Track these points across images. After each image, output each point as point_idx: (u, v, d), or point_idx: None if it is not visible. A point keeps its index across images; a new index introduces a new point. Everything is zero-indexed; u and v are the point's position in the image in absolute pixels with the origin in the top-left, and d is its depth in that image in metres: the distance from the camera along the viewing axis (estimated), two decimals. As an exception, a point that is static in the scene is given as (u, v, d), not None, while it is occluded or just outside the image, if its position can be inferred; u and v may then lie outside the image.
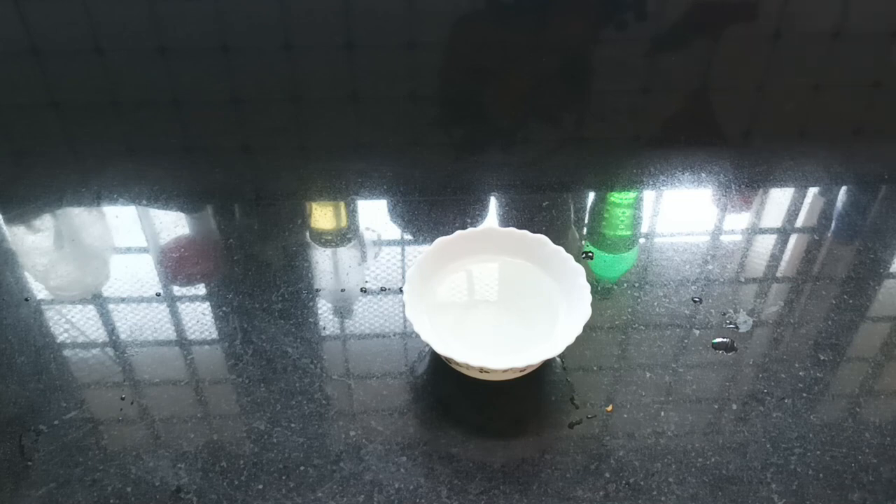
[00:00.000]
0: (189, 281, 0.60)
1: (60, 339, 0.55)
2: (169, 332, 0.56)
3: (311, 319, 0.57)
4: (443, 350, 0.48)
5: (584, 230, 0.67)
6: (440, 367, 0.53)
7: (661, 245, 0.65)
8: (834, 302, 0.59)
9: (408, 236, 0.66)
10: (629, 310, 0.58)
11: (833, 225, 0.67)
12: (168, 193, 0.68)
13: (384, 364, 0.53)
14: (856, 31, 0.74)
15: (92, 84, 0.73)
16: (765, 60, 0.75)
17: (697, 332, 0.56)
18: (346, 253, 0.63)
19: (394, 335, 0.56)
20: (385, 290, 0.59)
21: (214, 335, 0.56)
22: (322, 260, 0.63)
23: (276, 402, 0.51)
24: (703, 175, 0.72)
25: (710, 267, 0.62)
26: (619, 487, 0.46)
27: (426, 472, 0.47)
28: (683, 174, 0.72)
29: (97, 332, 0.56)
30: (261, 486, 0.46)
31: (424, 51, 0.73)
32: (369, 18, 0.71)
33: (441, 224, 0.66)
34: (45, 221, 0.66)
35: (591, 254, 0.63)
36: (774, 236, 0.65)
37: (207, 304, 0.58)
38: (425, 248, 0.54)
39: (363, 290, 0.59)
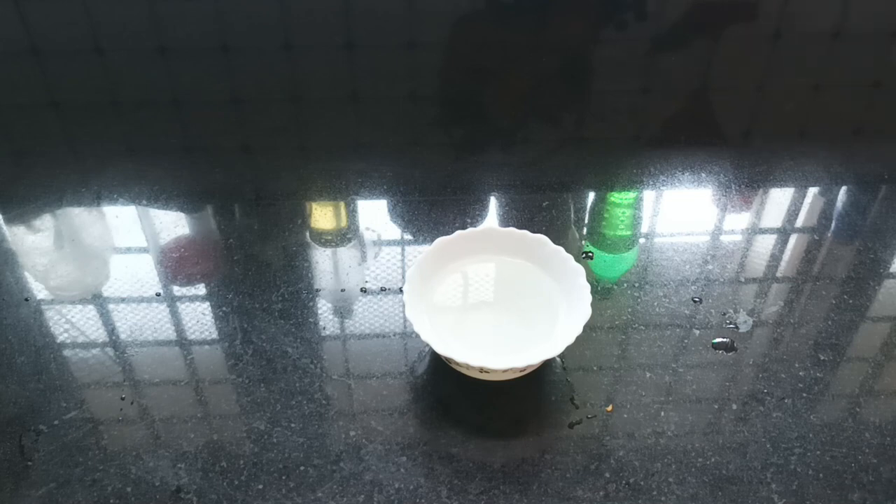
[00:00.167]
0: (189, 281, 0.60)
1: (60, 339, 0.55)
2: (169, 332, 0.56)
3: (311, 319, 0.57)
4: (443, 350, 0.48)
5: (584, 230, 0.67)
6: (440, 367, 0.53)
7: (661, 245, 0.65)
8: (834, 302, 0.59)
9: (408, 236, 0.66)
10: (629, 310, 0.58)
11: (833, 225, 0.67)
12: (168, 193, 0.68)
13: (384, 364, 0.53)
14: (856, 31, 0.74)
15: (92, 84, 0.73)
16: (765, 60, 0.75)
17: (697, 332, 0.56)
18: (346, 253, 0.63)
19: (394, 335, 0.56)
20: (385, 290, 0.59)
21: (214, 335, 0.56)
22: (322, 260, 0.63)
23: (276, 402, 0.51)
24: (703, 175, 0.72)
25: (710, 267, 0.62)
26: (619, 487, 0.46)
27: (426, 472, 0.47)
28: (683, 174, 0.72)
29: (97, 332, 0.56)
30: (261, 486, 0.46)
31: (424, 51, 0.73)
32: (369, 18, 0.71)
33: (441, 224, 0.66)
34: (45, 221, 0.66)
35: (591, 254, 0.63)
36: (774, 236, 0.65)
37: (207, 304, 0.58)
38: (425, 248, 0.54)
39: (363, 290, 0.59)
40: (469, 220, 0.67)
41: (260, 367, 0.53)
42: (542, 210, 0.68)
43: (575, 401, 0.51)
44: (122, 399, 0.51)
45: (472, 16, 0.71)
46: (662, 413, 0.50)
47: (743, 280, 0.61)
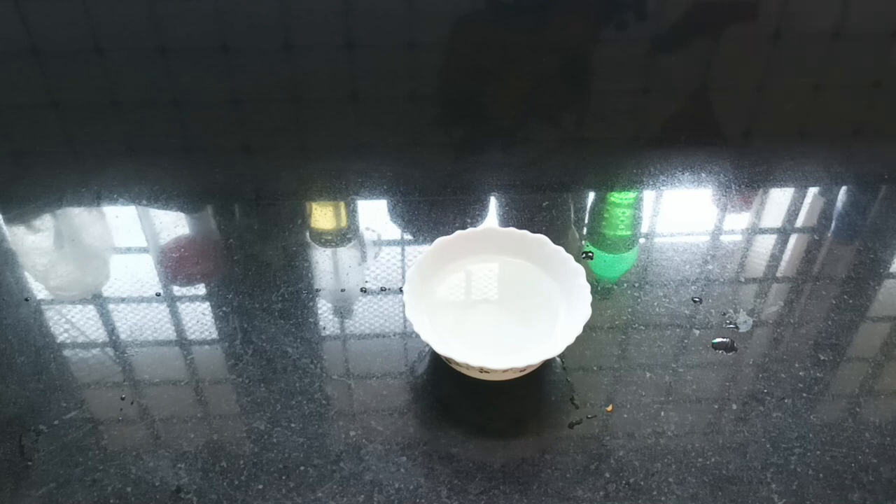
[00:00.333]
0: (189, 281, 0.60)
1: (60, 339, 0.55)
2: (169, 332, 0.56)
3: (311, 319, 0.57)
4: (443, 350, 0.48)
5: (584, 230, 0.67)
6: (440, 367, 0.53)
7: (661, 245, 0.65)
8: (834, 302, 0.59)
9: (408, 236, 0.66)
10: (629, 310, 0.58)
11: (833, 225, 0.67)
12: (168, 193, 0.68)
13: (384, 364, 0.53)
14: (856, 31, 0.74)
15: (92, 84, 0.73)
16: (765, 60, 0.75)
17: (697, 332, 0.56)
18: (346, 253, 0.63)
19: (394, 335, 0.56)
20: (385, 290, 0.59)
21: (214, 335, 0.56)
22: (322, 260, 0.63)
23: (276, 402, 0.51)
24: (703, 175, 0.72)
25: (710, 267, 0.62)
26: (619, 487, 0.46)
27: (426, 472, 0.47)
28: (683, 174, 0.72)
29: (97, 332, 0.56)
30: (261, 486, 0.46)
31: (424, 51, 0.73)
32: (369, 18, 0.71)
33: (441, 224, 0.66)
34: (45, 221, 0.66)
35: (591, 254, 0.63)
36: (774, 236, 0.65)
37: (207, 304, 0.58)
38: (425, 248, 0.54)
39: (363, 290, 0.59)
40: (469, 220, 0.67)
41: (260, 367, 0.53)
42: (542, 210, 0.68)
43: (575, 401, 0.51)
44: (122, 399, 0.51)
45: (472, 16, 0.71)
46: (662, 413, 0.50)
47: (743, 280, 0.61)
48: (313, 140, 0.76)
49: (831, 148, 0.76)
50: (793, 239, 0.65)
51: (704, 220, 0.68)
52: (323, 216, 0.68)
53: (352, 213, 0.68)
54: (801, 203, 0.69)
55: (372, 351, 0.54)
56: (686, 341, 0.55)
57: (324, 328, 0.56)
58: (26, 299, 0.58)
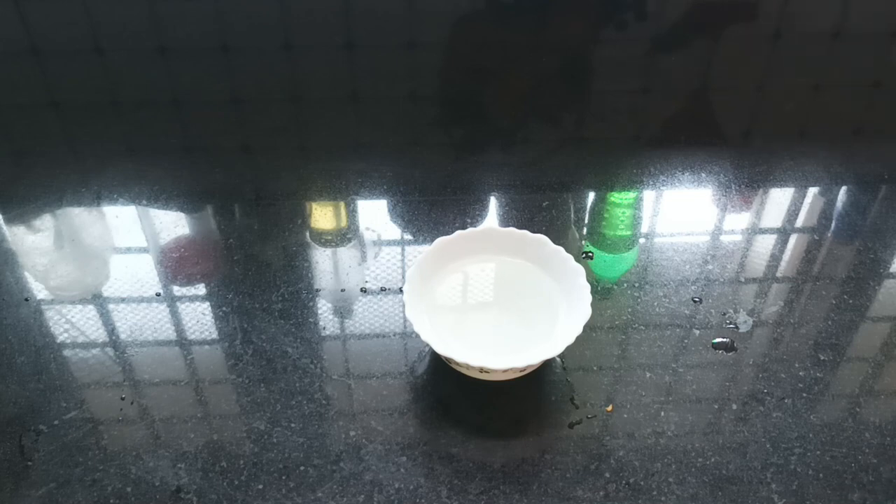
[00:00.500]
0: (189, 281, 0.60)
1: (60, 339, 0.55)
2: (169, 332, 0.56)
3: (311, 319, 0.57)
4: (443, 350, 0.48)
5: (584, 230, 0.67)
6: (440, 367, 0.53)
7: (661, 245, 0.65)
8: (834, 302, 0.59)
9: (408, 236, 0.66)
10: (629, 310, 0.58)
11: (833, 225, 0.67)
12: (168, 193, 0.68)
13: (384, 364, 0.53)
14: (856, 31, 0.74)
15: (92, 84, 0.73)
16: (765, 60, 0.75)
17: (697, 332, 0.56)
18: (346, 253, 0.63)
19: (394, 335, 0.56)
20: (385, 290, 0.59)
21: (214, 335, 0.56)
22: (322, 260, 0.63)
23: (276, 402, 0.51)
24: (703, 175, 0.72)
25: (710, 267, 0.62)
26: (619, 487, 0.46)
27: (426, 472, 0.47)
28: (683, 174, 0.72)
29: (97, 332, 0.56)
30: (261, 486, 0.46)
31: (424, 51, 0.73)
32: (369, 18, 0.71)
33: (441, 224, 0.66)
34: (45, 221, 0.66)
35: (591, 254, 0.63)
36: (774, 236, 0.65)
37: (207, 304, 0.58)
38: (425, 248, 0.54)
39: (363, 290, 0.59)
40: (469, 220, 0.67)
41: (260, 367, 0.53)
42: (542, 210, 0.68)
43: (575, 401, 0.51)
44: (122, 399, 0.51)
45: (472, 16, 0.71)
46: (662, 413, 0.50)
47: (743, 280, 0.61)
48: (313, 140, 0.76)
49: (831, 148, 0.76)
50: (793, 239, 0.65)
51: (704, 220, 0.68)
52: (323, 216, 0.68)
53: (352, 213, 0.68)
54: (801, 203, 0.69)
55: (372, 351, 0.54)
56: (686, 341, 0.55)
57: (324, 328, 0.56)
58: (26, 299, 0.58)
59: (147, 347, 0.55)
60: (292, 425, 0.49)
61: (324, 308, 0.58)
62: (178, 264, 0.62)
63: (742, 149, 0.76)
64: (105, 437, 0.49)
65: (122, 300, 0.58)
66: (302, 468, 0.47)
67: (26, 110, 0.74)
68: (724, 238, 0.65)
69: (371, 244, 0.64)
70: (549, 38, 0.74)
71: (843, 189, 0.71)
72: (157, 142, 0.75)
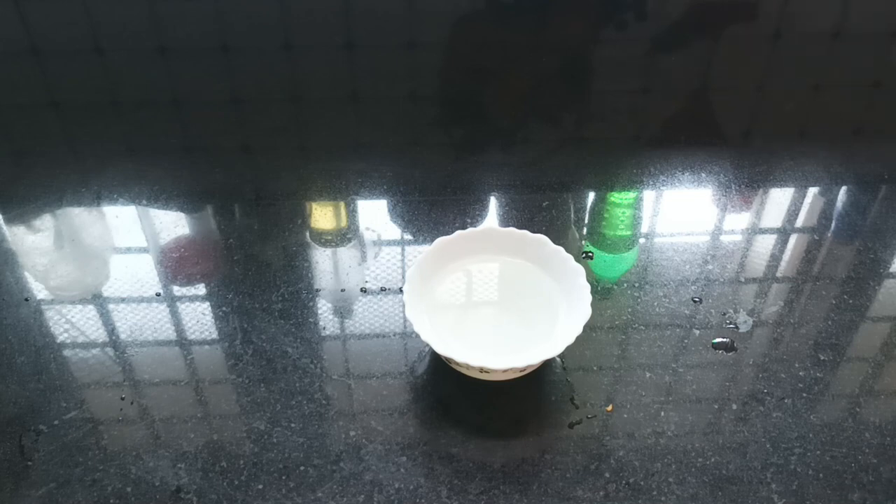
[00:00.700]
0: (189, 281, 0.60)
1: (60, 339, 0.55)
2: (169, 332, 0.56)
3: (311, 319, 0.57)
4: (443, 350, 0.48)
5: (584, 230, 0.67)
6: (440, 367, 0.53)
7: (661, 245, 0.65)
8: (834, 302, 0.59)
9: (408, 236, 0.66)
10: (629, 310, 0.58)
11: (833, 225, 0.67)
12: (168, 193, 0.68)
13: (384, 364, 0.53)
14: (856, 31, 0.74)
15: (92, 84, 0.73)
16: (765, 60, 0.75)
17: (697, 332, 0.56)
18: (346, 253, 0.63)
19: (394, 335, 0.56)
20: (385, 290, 0.59)
21: (214, 335, 0.56)
22: (322, 260, 0.63)
23: (276, 402, 0.51)
24: (703, 175, 0.72)
25: (710, 267, 0.62)
26: (619, 487, 0.46)
27: (426, 472, 0.47)
28: (683, 174, 0.72)
29: (97, 332, 0.56)
30: (261, 486, 0.46)
31: (424, 51, 0.73)
32: (369, 18, 0.71)
33: (441, 224, 0.66)
34: (45, 221, 0.66)
35: (591, 254, 0.63)
36: (774, 236, 0.65)
37: (207, 304, 0.58)
38: (425, 248, 0.54)
39: (363, 290, 0.59)
40: (469, 220, 0.67)
41: (260, 367, 0.53)
42: (542, 210, 0.68)
43: (575, 401, 0.51)
44: (122, 399, 0.51)
45: (472, 16, 0.71)
46: (662, 413, 0.50)
47: (743, 280, 0.61)
48: (313, 140, 0.76)
49: (831, 148, 0.76)
50: (793, 239, 0.65)
51: (704, 220, 0.68)
52: (323, 216, 0.68)
53: (352, 213, 0.68)
54: (801, 203, 0.69)
55: (372, 351, 0.54)
56: (686, 341, 0.55)
57: (324, 328, 0.56)
58: (26, 299, 0.58)
59: (147, 347, 0.55)
60: (292, 425, 0.49)
61: (324, 308, 0.58)
62: (178, 264, 0.62)
63: (742, 149, 0.76)
64: (105, 437, 0.49)
65: (122, 300, 0.58)
66: (302, 468, 0.47)
67: (26, 110, 0.74)
68: (724, 238, 0.65)
69: (371, 244, 0.64)
70: (549, 38, 0.74)
71: (843, 189, 0.71)
72: (157, 142, 0.75)
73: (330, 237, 0.65)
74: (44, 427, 0.49)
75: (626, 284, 0.60)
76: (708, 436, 0.49)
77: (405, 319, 0.50)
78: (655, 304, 0.58)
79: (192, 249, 0.63)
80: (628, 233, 0.67)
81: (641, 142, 0.78)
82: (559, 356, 0.52)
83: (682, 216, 0.68)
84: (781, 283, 0.61)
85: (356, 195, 0.69)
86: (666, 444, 0.48)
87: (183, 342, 0.55)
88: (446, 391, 0.52)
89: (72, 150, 0.74)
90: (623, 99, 0.77)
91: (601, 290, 0.60)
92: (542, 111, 0.77)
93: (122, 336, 0.55)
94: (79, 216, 0.67)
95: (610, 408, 0.51)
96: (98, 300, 0.58)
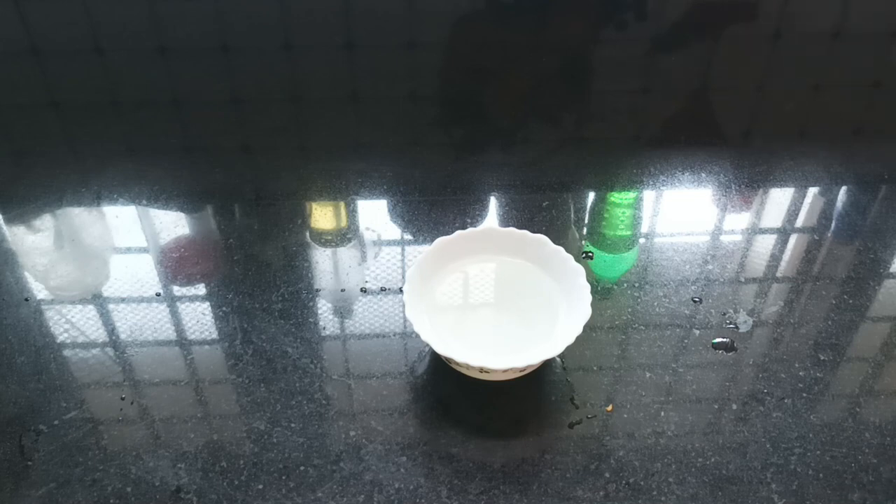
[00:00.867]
0: (189, 281, 0.60)
1: (60, 339, 0.55)
2: (169, 332, 0.56)
3: (311, 319, 0.57)
4: (443, 350, 0.48)
5: (584, 230, 0.67)
6: (440, 367, 0.53)
7: (661, 245, 0.65)
8: (834, 302, 0.59)
9: (408, 236, 0.66)
10: (629, 310, 0.58)
11: (833, 225, 0.67)
12: (168, 193, 0.68)
13: (384, 364, 0.53)
14: (856, 31, 0.74)
15: (92, 84, 0.73)
16: (765, 60, 0.75)
17: (697, 332, 0.56)
18: (346, 253, 0.63)
19: (394, 335, 0.56)
20: (385, 290, 0.59)
21: (214, 335, 0.56)
22: (322, 260, 0.63)
23: (276, 402, 0.51)
24: (703, 175, 0.72)
25: (710, 267, 0.62)
26: (619, 487, 0.46)
27: (426, 472, 0.47)
28: (683, 174, 0.72)
29: (97, 332, 0.56)
30: (261, 486, 0.46)
31: (424, 51, 0.73)
32: (369, 18, 0.71)
33: (441, 224, 0.66)
34: (45, 221, 0.66)
35: (591, 254, 0.63)
36: (774, 236, 0.65)
37: (207, 304, 0.58)
38: (425, 248, 0.54)
39: (363, 290, 0.59)
40: (469, 220, 0.67)
41: (260, 367, 0.53)
42: (542, 210, 0.68)
43: (575, 401, 0.51)
44: (122, 399, 0.51)
45: (472, 16, 0.71)
46: (662, 413, 0.50)
47: (743, 280, 0.61)
48: (313, 140, 0.76)
49: (831, 148, 0.76)
50: (793, 239, 0.65)
51: (704, 220, 0.68)
52: (323, 216, 0.68)
53: (352, 213, 0.68)
54: (801, 203, 0.69)
55: (372, 351, 0.54)
56: (686, 341, 0.55)
57: (324, 328, 0.56)
58: (26, 299, 0.58)
59: (147, 347, 0.55)
60: (292, 425, 0.49)
61: (324, 308, 0.58)
62: (178, 264, 0.62)
63: (742, 149, 0.76)
64: (105, 437, 0.49)
65: (122, 300, 0.58)
66: (302, 468, 0.47)
67: (26, 110, 0.74)
68: (724, 238, 0.65)
69: (371, 244, 0.64)
70: (549, 38, 0.74)
71: (843, 189, 0.71)
72: (157, 142, 0.75)
73: (330, 237, 0.65)
74: (44, 427, 0.49)
75: (626, 284, 0.60)
76: (708, 436, 0.49)
77: (405, 319, 0.50)
78: (655, 304, 0.58)
79: (192, 249, 0.63)
80: (628, 233, 0.67)
81: (641, 142, 0.78)
82: (559, 356, 0.52)
83: (682, 216, 0.68)
84: (781, 283, 0.61)
85: (356, 195, 0.69)
86: (666, 444, 0.48)
87: (183, 342, 0.55)
88: (446, 391, 0.52)
89: (72, 150, 0.74)
90: (623, 99, 0.77)
91: (601, 290, 0.60)
92: (542, 111, 0.77)
93: (122, 336, 0.55)
94: (79, 216, 0.67)
95: (610, 408, 0.51)
96: (98, 300, 0.58)
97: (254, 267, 0.61)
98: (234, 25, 0.70)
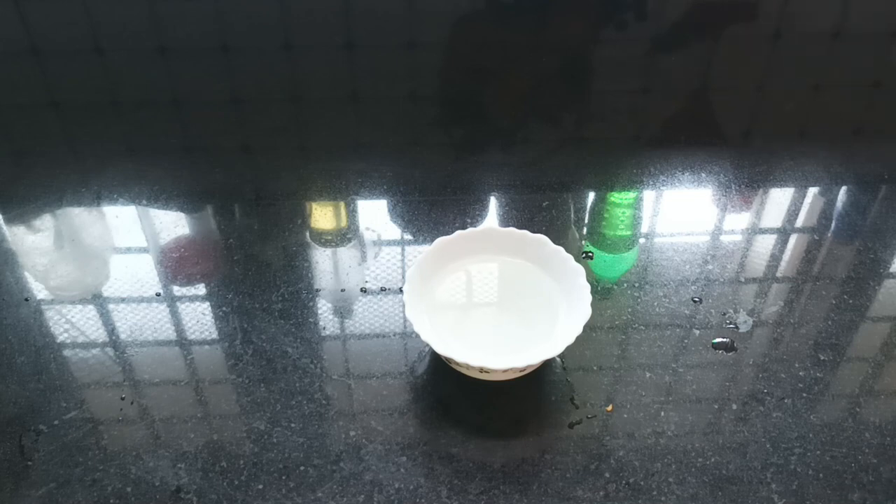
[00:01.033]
0: (189, 281, 0.60)
1: (60, 339, 0.55)
2: (169, 332, 0.56)
3: (311, 319, 0.57)
4: (443, 350, 0.48)
5: (584, 230, 0.67)
6: (440, 367, 0.53)
7: (661, 245, 0.65)
8: (834, 302, 0.59)
9: (408, 236, 0.66)
10: (629, 310, 0.58)
11: (833, 225, 0.67)
12: (168, 193, 0.68)
13: (384, 364, 0.53)
14: (856, 31, 0.74)
15: (92, 84, 0.73)
16: (765, 60, 0.75)
17: (697, 332, 0.56)
18: (346, 253, 0.63)
19: (394, 335, 0.56)
20: (385, 290, 0.59)
21: (214, 335, 0.56)
22: (322, 260, 0.63)
23: (276, 402, 0.51)
24: (703, 175, 0.72)
25: (710, 267, 0.62)
26: (619, 487, 0.46)
27: (426, 472, 0.47)
28: (683, 174, 0.72)
29: (97, 332, 0.56)
30: (261, 486, 0.46)
31: (424, 51, 0.73)
32: (369, 18, 0.71)
33: (441, 224, 0.66)
34: (45, 221, 0.66)
35: (591, 254, 0.63)
36: (774, 236, 0.65)
37: (207, 304, 0.58)
38: (425, 248, 0.54)
39: (363, 290, 0.59)
40: (469, 220, 0.67)
41: (260, 367, 0.53)
42: (542, 210, 0.68)
43: (575, 401, 0.51)
44: (122, 399, 0.51)
45: (472, 16, 0.71)
46: (662, 413, 0.50)
47: (743, 280, 0.61)
48: (313, 140, 0.76)
49: (831, 148, 0.76)
50: (793, 239, 0.65)
51: (704, 220, 0.68)
52: (323, 216, 0.68)
53: (352, 213, 0.68)
54: (801, 203, 0.69)
55: (372, 351, 0.54)
56: (686, 341, 0.55)
57: (324, 328, 0.56)
58: (26, 299, 0.58)
59: (147, 347, 0.55)
60: (292, 425, 0.49)
61: (324, 308, 0.58)
62: (178, 264, 0.62)
63: (742, 149, 0.76)
64: (105, 437, 0.49)
65: (122, 300, 0.58)
66: (302, 468, 0.47)
67: (26, 110, 0.74)
68: (724, 238, 0.65)
69: (371, 244, 0.64)
70: (549, 38, 0.74)
71: (843, 189, 0.71)
72: (157, 142, 0.75)
73: (330, 237, 0.65)
74: (44, 427, 0.49)
75: (626, 284, 0.60)
76: (708, 436, 0.49)
77: (405, 319, 0.50)
78: (655, 304, 0.58)
79: (192, 249, 0.63)
80: (628, 233, 0.67)
81: (641, 142, 0.78)
82: (559, 356, 0.52)
83: (682, 216, 0.68)
84: (781, 283, 0.61)
85: (356, 195, 0.69)
86: (666, 444, 0.48)
87: (183, 342, 0.55)
88: (446, 391, 0.52)
89: (72, 150, 0.74)
90: (623, 99, 0.77)
91: (601, 290, 0.60)
92: (542, 111, 0.77)
93: (122, 336, 0.55)
94: (79, 216, 0.67)
95: (610, 408, 0.51)
96: (98, 300, 0.58)
97: (254, 267, 0.61)
98: (234, 25, 0.70)
